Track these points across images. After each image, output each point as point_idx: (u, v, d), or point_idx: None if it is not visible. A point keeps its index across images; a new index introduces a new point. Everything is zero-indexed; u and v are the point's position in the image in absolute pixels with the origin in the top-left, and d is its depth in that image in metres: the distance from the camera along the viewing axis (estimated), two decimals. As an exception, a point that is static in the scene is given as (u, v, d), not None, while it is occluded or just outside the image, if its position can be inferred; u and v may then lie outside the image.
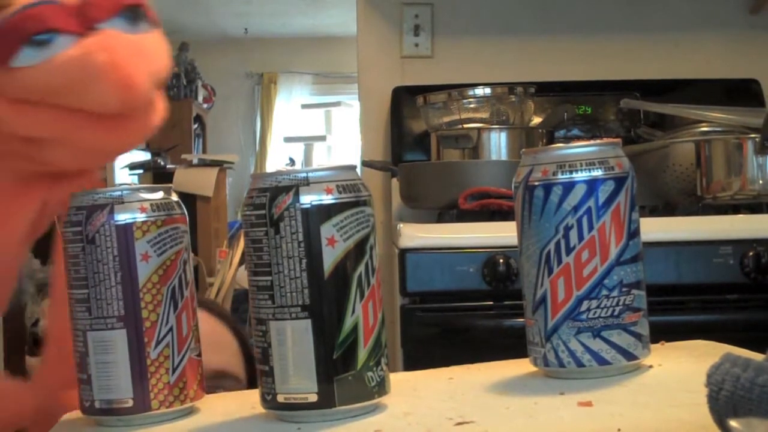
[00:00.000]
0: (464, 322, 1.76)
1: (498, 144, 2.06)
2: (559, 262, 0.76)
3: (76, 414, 0.78)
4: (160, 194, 0.76)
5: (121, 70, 0.82)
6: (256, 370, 0.74)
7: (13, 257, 0.91)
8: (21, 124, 0.84)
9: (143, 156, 5.24)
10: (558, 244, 0.76)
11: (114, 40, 0.84)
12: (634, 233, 0.78)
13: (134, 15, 0.86)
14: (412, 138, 2.37)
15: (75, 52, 0.82)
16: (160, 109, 0.89)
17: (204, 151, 6.26)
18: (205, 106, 6.66)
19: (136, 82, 0.82)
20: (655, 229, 1.75)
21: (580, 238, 0.76)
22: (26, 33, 0.82)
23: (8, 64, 0.82)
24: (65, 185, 0.88)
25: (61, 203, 0.83)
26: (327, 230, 0.70)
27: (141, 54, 0.85)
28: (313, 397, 0.70)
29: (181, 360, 0.75)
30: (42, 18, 0.82)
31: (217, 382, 1.13)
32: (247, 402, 0.78)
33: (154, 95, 0.87)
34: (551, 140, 2.15)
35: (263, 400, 0.73)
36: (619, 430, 0.62)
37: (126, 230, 0.74)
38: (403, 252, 1.76)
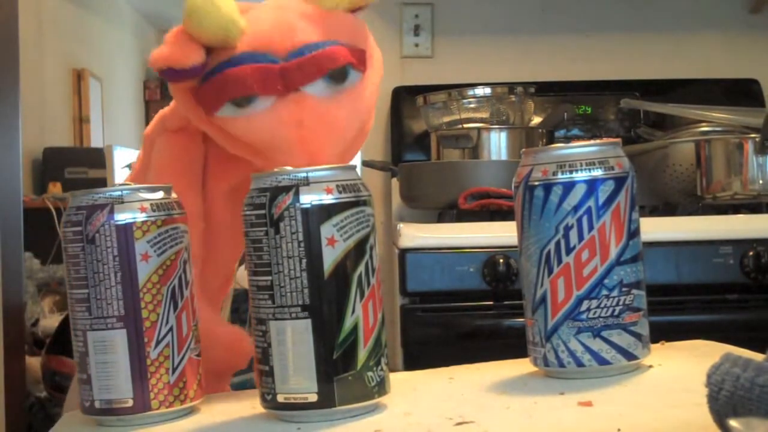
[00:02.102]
0: (464, 322, 1.76)
1: (498, 144, 2.06)
2: (559, 262, 0.76)
3: (77, 414, 0.78)
4: (160, 194, 0.76)
5: (309, 145, 0.87)
6: None
7: (221, 207, 0.98)
8: (229, 147, 0.92)
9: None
10: (558, 244, 0.76)
11: (308, 112, 0.88)
12: (634, 233, 0.78)
13: (339, 76, 0.89)
14: (412, 138, 2.37)
15: (269, 120, 0.88)
16: (354, 153, 0.96)
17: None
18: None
19: (321, 158, 0.87)
20: (655, 229, 1.75)
21: (580, 238, 0.76)
22: (228, 95, 0.88)
23: (213, 114, 0.89)
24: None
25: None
26: (327, 230, 0.70)
27: (332, 128, 0.89)
28: (313, 397, 0.70)
29: (181, 360, 0.75)
30: (244, 82, 0.88)
31: None
32: (247, 402, 0.78)
33: (344, 153, 0.92)
34: (551, 140, 2.15)
35: (263, 400, 0.73)
36: (619, 430, 0.62)
37: (126, 230, 0.74)
38: (403, 252, 1.76)
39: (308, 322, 0.70)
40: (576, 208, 0.76)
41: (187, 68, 0.87)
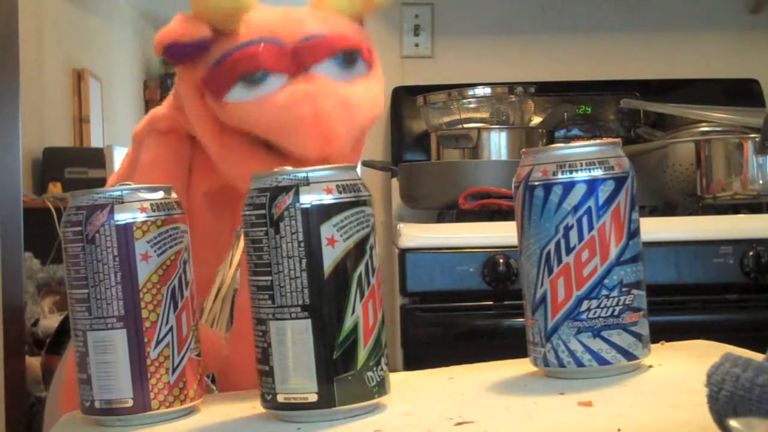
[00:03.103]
0: (464, 322, 1.76)
1: (498, 144, 2.06)
2: (559, 262, 0.76)
3: (76, 414, 0.78)
4: (160, 194, 0.76)
5: (323, 124, 0.86)
6: None
7: (200, 209, 0.97)
8: (220, 163, 0.91)
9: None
10: (558, 243, 0.76)
11: (321, 90, 0.87)
12: (634, 233, 0.78)
13: (350, 58, 0.88)
14: (412, 138, 2.37)
15: (283, 99, 0.86)
16: (359, 151, 0.93)
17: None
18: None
19: (335, 137, 0.86)
20: (655, 229, 1.75)
21: (580, 238, 0.76)
22: (240, 72, 0.87)
23: (223, 99, 0.87)
24: None
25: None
26: (327, 230, 0.70)
27: (346, 107, 0.88)
28: (313, 397, 0.70)
29: (181, 360, 0.75)
30: (256, 58, 0.87)
31: None
32: (247, 402, 0.78)
33: (353, 146, 0.90)
34: (551, 140, 2.15)
35: (263, 400, 0.73)
36: (619, 430, 0.62)
37: (126, 230, 0.74)
38: (403, 252, 1.76)
39: (308, 322, 0.70)
40: (576, 208, 0.76)
41: (193, 42, 0.86)
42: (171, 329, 0.75)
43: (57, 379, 1.16)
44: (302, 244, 0.70)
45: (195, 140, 0.96)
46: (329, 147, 0.86)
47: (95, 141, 5.32)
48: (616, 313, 0.76)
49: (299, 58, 0.88)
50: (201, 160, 0.97)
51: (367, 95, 0.91)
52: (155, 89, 7.43)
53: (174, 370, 0.75)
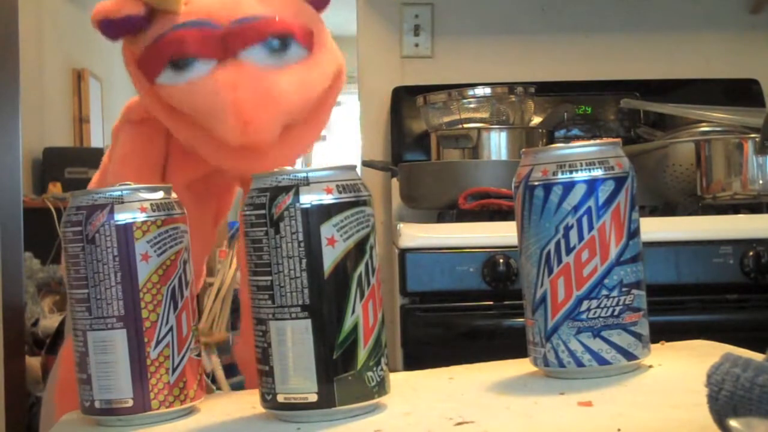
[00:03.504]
0: (464, 322, 1.76)
1: (498, 144, 2.06)
2: (559, 261, 0.76)
3: (76, 414, 0.78)
4: (160, 194, 0.76)
5: (242, 113, 0.86)
6: None
7: (184, 202, 0.97)
8: (171, 127, 0.91)
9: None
10: (558, 243, 0.76)
11: (244, 78, 0.87)
12: (634, 233, 0.78)
13: (281, 44, 0.87)
14: (412, 138, 2.36)
15: (207, 86, 0.87)
16: (305, 142, 0.92)
17: (204, 151, 6.25)
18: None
19: (255, 126, 0.86)
20: (655, 229, 1.75)
21: (580, 238, 0.76)
22: (168, 57, 0.88)
23: (155, 81, 0.89)
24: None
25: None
26: (327, 230, 0.70)
27: (267, 96, 0.87)
28: (313, 397, 0.70)
29: (181, 360, 0.75)
30: (183, 43, 0.88)
31: None
32: (247, 402, 0.78)
33: (285, 136, 0.90)
34: (551, 140, 2.15)
35: (263, 400, 0.73)
36: (619, 430, 0.62)
37: (126, 230, 0.74)
38: (403, 252, 1.76)
39: (308, 322, 0.70)
40: (576, 208, 0.76)
41: (123, 18, 0.87)
42: (171, 329, 0.75)
43: (52, 379, 1.16)
44: (302, 244, 0.70)
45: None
46: (249, 136, 0.86)
47: (95, 141, 5.31)
48: (616, 313, 0.76)
49: (228, 43, 0.87)
50: (178, 149, 0.97)
51: (297, 83, 0.90)
52: (155, 89, 7.42)
53: (174, 370, 0.75)
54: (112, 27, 0.88)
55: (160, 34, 0.88)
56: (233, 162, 0.90)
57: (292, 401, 0.71)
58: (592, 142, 0.79)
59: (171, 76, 0.87)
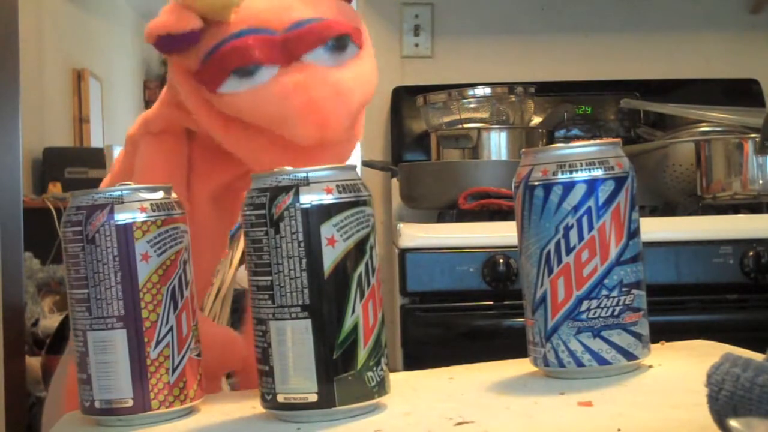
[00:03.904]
0: (464, 322, 1.76)
1: (498, 144, 2.06)
2: (559, 261, 0.76)
3: (77, 414, 0.78)
4: (160, 194, 0.76)
5: (316, 113, 0.87)
6: None
7: (205, 213, 0.98)
8: (227, 142, 0.91)
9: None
10: (558, 243, 0.76)
11: (313, 78, 0.88)
12: (634, 233, 0.78)
13: (340, 44, 0.88)
14: (412, 138, 2.36)
15: (276, 91, 0.87)
16: (358, 134, 0.94)
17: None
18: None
19: (331, 123, 0.87)
20: (655, 229, 1.75)
21: (580, 238, 0.76)
22: (232, 65, 0.87)
23: (217, 90, 0.88)
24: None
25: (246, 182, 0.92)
26: (327, 230, 0.70)
27: (338, 94, 0.89)
28: (313, 397, 0.70)
29: (181, 360, 0.75)
30: (247, 51, 0.88)
31: None
32: (247, 402, 0.78)
33: (351, 129, 0.91)
34: (551, 140, 2.15)
35: (263, 400, 0.73)
36: (619, 430, 0.62)
37: (126, 230, 0.74)
38: (403, 252, 1.76)
39: (308, 322, 0.70)
40: (576, 208, 0.76)
41: (184, 33, 0.87)
42: (171, 329, 0.75)
43: (57, 379, 1.16)
44: (302, 244, 0.70)
45: (192, 137, 0.96)
46: (324, 134, 0.87)
47: (95, 141, 5.32)
48: (616, 313, 0.76)
49: (290, 48, 0.88)
50: (201, 159, 0.97)
51: (359, 77, 0.92)
52: (155, 89, 7.43)
53: (174, 370, 0.75)
54: (171, 43, 0.88)
55: (217, 43, 0.88)
56: (297, 162, 0.91)
57: (292, 401, 0.71)
58: (592, 142, 0.79)
59: (235, 85, 0.87)
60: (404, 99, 2.37)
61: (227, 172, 0.97)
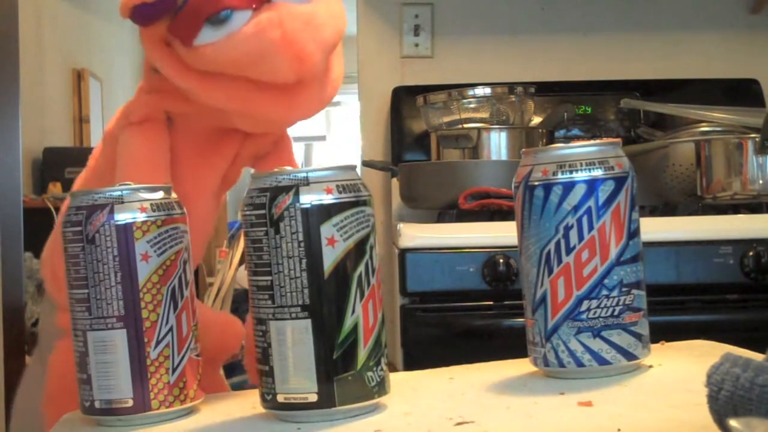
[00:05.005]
0: (464, 322, 1.76)
1: (498, 144, 2.06)
2: (559, 261, 0.76)
3: (76, 414, 0.78)
4: (160, 194, 0.76)
5: (293, 44, 0.88)
6: None
7: (209, 206, 0.98)
8: (205, 95, 0.92)
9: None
10: (558, 243, 0.76)
11: (285, 13, 0.89)
12: (634, 233, 0.78)
13: None
14: (412, 138, 2.37)
15: (251, 30, 0.89)
16: (336, 77, 0.95)
17: (204, 151, 6.25)
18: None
19: (307, 55, 0.88)
20: (655, 229, 1.75)
21: (580, 237, 0.76)
22: (205, 13, 0.88)
23: (192, 43, 0.89)
24: (257, 140, 0.98)
25: (252, 157, 0.97)
26: (327, 230, 0.70)
27: (311, 26, 0.90)
28: (313, 397, 0.70)
29: (181, 360, 0.75)
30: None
31: None
32: (247, 402, 0.78)
33: (325, 64, 0.93)
34: (551, 140, 2.15)
35: (263, 400, 0.73)
36: (619, 430, 0.62)
37: (126, 230, 0.74)
38: (403, 252, 1.76)
39: (308, 322, 0.70)
40: (576, 208, 0.76)
41: (160, 0, 0.87)
42: (171, 329, 0.75)
43: (27, 386, 1.14)
44: (302, 244, 0.70)
45: (173, 126, 0.97)
46: (302, 66, 0.88)
47: (95, 141, 5.31)
48: (616, 313, 0.76)
49: None
50: (186, 149, 0.97)
51: (329, 11, 0.93)
52: (155, 89, 7.42)
53: (174, 370, 0.75)
54: (146, 10, 0.89)
55: None
56: (278, 107, 0.92)
57: (292, 401, 0.71)
58: (592, 142, 0.79)
59: (210, 35, 0.88)
60: (404, 99, 2.37)
61: (227, 154, 0.98)
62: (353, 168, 0.73)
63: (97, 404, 0.75)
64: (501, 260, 1.71)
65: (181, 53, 0.91)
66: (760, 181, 1.94)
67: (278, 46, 0.88)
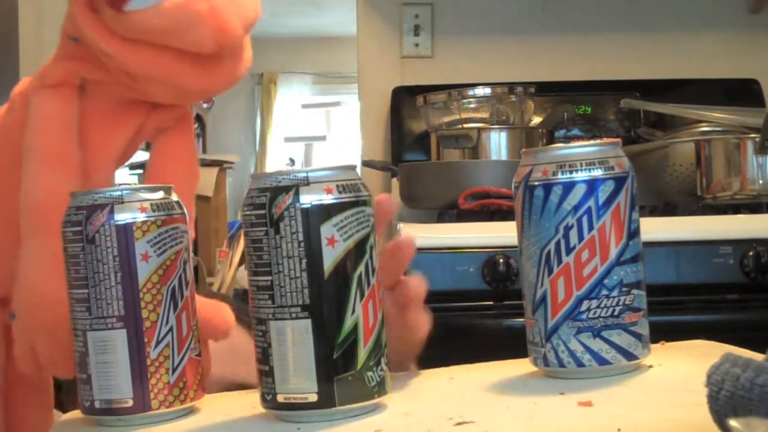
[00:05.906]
0: (464, 322, 1.76)
1: (498, 144, 2.06)
2: (559, 261, 0.76)
3: (76, 414, 0.78)
4: (160, 194, 0.76)
5: (218, 17, 0.92)
6: None
7: (107, 175, 1.00)
8: (128, 60, 0.94)
9: (144, 156, 5.23)
10: (558, 243, 0.76)
11: None
12: (634, 233, 0.78)
13: None
14: (412, 138, 2.37)
15: (180, 0, 0.92)
16: (247, 57, 0.99)
17: (204, 151, 6.26)
18: (204, 105, 6.65)
19: (230, 27, 0.92)
20: (655, 229, 1.75)
21: (580, 238, 0.76)
22: None
23: (122, 8, 0.92)
24: (161, 113, 1.01)
25: (155, 129, 1.00)
26: (327, 230, 0.70)
27: (235, 3, 0.95)
28: (313, 397, 0.70)
29: (181, 360, 0.75)
30: None
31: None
32: (247, 402, 0.78)
33: (243, 41, 0.96)
34: (551, 140, 2.15)
35: (263, 400, 0.73)
36: (619, 430, 0.62)
37: (126, 230, 0.74)
38: (403, 252, 1.76)
39: (308, 322, 0.70)
40: (576, 208, 0.76)
41: None
42: (171, 329, 0.75)
43: None
44: (302, 244, 0.70)
45: (84, 92, 0.99)
46: (225, 38, 0.92)
47: (95, 141, 5.30)
48: (616, 313, 0.76)
49: None
50: (97, 117, 0.99)
51: None
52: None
53: (174, 370, 0.75)
54: None
55: None
56: (197, 77, 0.96)
57: (292, 401, 0.71)
58: (592, 142, 0.79)
59: (140, 2, 0.91)
60: (404, 99, 2.37)
61: (131, 124, 1.00)
62: (353, 168, 0.73)
63: (97, 404, 0.75)
64: (501, 260, 1.71)
65: (108, 19, 0.94)
66: (760, 181, 1.94)
67: (204, 17, 0.92)
